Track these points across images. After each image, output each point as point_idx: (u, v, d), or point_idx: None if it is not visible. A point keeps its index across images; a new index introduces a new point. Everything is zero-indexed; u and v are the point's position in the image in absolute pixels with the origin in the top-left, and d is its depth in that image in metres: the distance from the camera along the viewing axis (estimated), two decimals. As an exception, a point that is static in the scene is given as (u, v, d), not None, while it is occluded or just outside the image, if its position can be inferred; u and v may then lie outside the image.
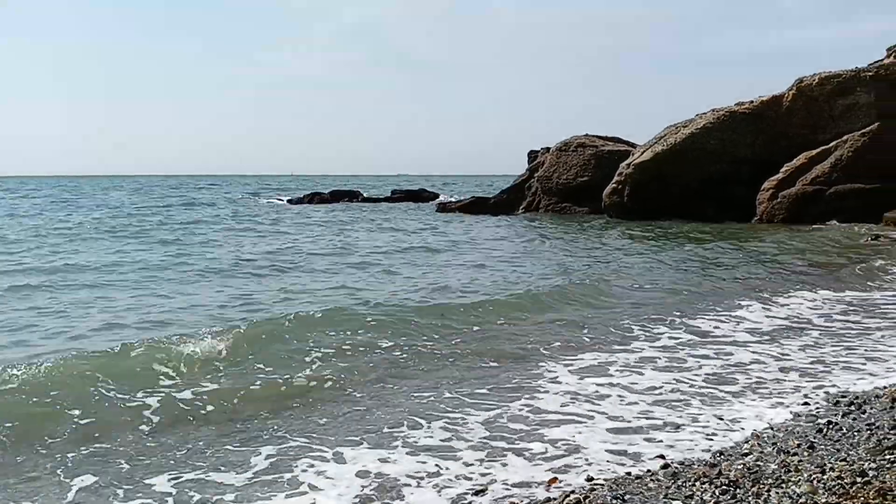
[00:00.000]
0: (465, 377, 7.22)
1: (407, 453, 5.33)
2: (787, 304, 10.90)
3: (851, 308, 10.64)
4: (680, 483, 4.56)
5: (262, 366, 7.38)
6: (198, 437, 5.71)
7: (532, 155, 34.44)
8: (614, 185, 27.39)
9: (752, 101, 26.27)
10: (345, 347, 8.06)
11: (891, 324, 9.52)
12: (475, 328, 9.09)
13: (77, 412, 6.02)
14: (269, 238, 21.96)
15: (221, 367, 7.25)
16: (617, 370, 7.44)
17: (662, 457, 5.10)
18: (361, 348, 8.09)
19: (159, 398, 6.43)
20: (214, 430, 5.87)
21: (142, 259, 15.90)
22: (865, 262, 14.64)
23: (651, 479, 4.66)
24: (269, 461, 5.22)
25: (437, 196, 46.79)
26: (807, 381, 6.95)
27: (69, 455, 5.32)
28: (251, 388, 6.74)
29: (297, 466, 5.13)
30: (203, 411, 6.24)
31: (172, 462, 5.24)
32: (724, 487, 4.43)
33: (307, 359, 7.65)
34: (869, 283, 12.87)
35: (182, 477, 4.97)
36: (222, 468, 5.12)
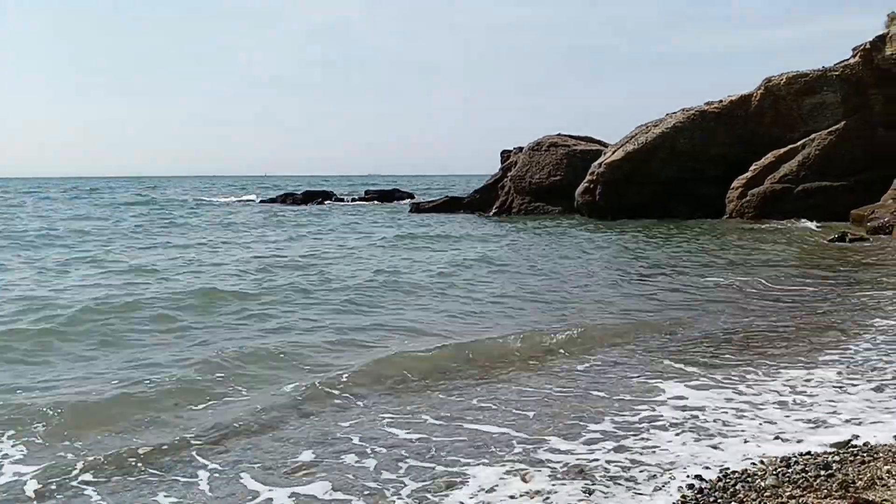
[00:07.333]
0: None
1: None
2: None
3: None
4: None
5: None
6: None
7: (505, 154, 34.46)
8: (586, 184, 27.52)
9: (721, 101, 26.53)
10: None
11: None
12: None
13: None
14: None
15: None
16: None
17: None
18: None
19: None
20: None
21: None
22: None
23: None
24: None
25: (410, 196, 46.74)
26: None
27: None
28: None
29: None
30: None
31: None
32: (689, 482, 4.44)
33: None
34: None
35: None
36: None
